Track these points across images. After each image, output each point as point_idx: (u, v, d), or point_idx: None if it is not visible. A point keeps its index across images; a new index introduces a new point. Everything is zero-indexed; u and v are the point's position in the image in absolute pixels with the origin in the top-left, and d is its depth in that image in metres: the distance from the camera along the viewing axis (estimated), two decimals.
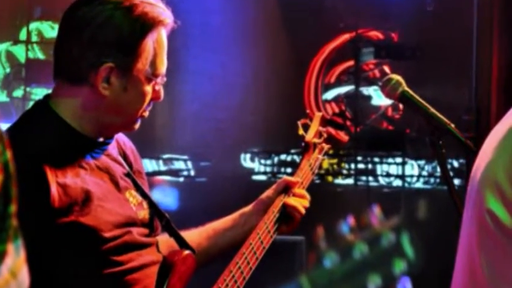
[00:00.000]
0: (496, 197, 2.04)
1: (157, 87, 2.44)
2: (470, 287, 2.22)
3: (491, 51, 7.05)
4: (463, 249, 2.27)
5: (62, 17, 2.44)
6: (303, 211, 2.74)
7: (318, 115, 3.02)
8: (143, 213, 2.46)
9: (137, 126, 2.46)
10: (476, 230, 2.16)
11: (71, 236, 2.29)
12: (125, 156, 2.52)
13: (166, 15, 2.42)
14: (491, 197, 2.05)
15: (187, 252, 2.53)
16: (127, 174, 2.48)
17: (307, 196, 2.78)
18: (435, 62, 7.18)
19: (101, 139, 2.44)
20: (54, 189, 2.27)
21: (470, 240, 2.21)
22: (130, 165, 2.53)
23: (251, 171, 8.17)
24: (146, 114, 2.45)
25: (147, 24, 2.38)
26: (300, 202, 2.74)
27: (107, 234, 2.32)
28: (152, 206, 2.50)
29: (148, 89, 2.41)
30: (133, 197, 2.45)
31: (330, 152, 4.17)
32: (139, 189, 2.49)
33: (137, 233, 2.41)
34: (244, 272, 2.60)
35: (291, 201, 2.73)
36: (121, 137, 2.56)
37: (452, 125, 2.60)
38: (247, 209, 2.75)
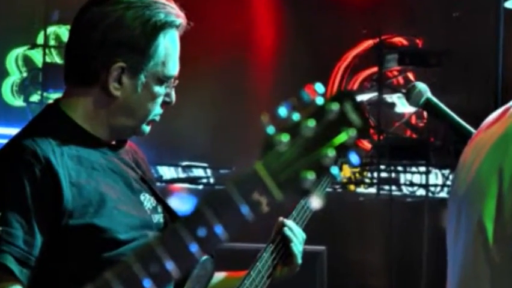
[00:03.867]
0: (491, 211, 1.96)
1: (168, 90, 2.43)
2: None
3: None
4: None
5: (74, 18, 2.42)
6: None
7: None
8: (158, 217, 2.44)
9: (147, 130, 2.45)
10: (466, 244, 2.07)
11: (86, 237, 2.27)
12: (137, 164, 2.52)
13: (178, 16, 2.42)
14: (485, 209, 1.97)
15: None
16: (141, 179, 2.47)
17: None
18: (461, 69, 7.16)
19: (113, 142, 2.44)
20: (67, 190, 2.26)
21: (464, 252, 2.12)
22: (143, 172, 2.52)
23: None
24: (157, 118, 2.44)
25: (159, 24, 2.37)
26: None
27: (122, 236, 2.30)
28: (168, 211, 2.49)
29: (160, 90, 2.40)
30: (147, 200, 2.44)
31: None
32: (153, 193, 2.48)
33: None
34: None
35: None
36: (133, 145, 2.55)
37: None
38: None
